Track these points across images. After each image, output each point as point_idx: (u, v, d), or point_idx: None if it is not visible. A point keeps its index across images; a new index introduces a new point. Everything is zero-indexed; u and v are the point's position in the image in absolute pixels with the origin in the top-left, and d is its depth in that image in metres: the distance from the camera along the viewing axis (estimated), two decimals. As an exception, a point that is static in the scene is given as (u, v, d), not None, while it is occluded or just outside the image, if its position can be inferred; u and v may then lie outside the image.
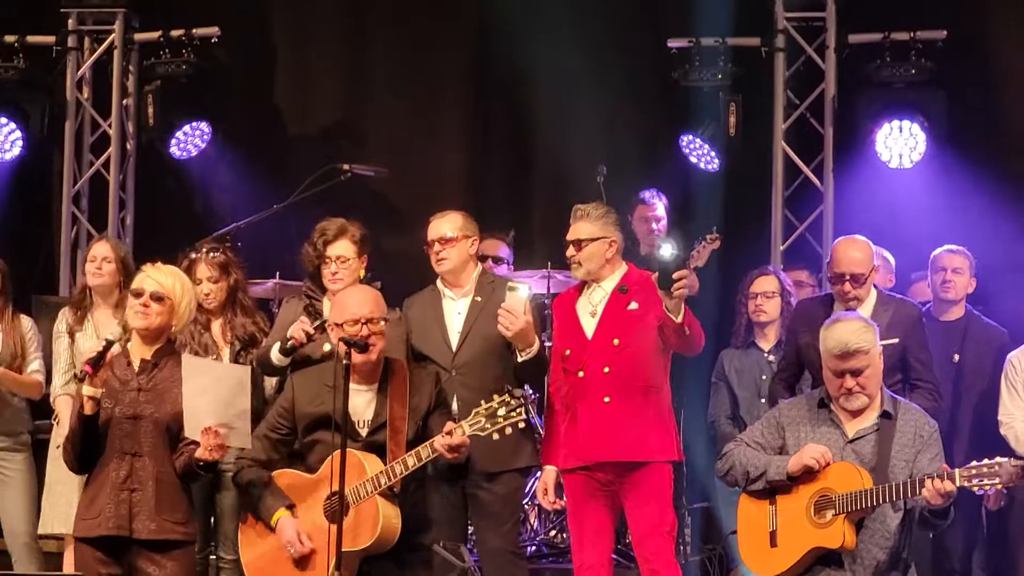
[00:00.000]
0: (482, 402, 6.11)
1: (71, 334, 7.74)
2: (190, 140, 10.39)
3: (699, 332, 6.60)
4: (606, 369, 6.64)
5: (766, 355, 8.12)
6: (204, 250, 7.54)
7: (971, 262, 8.12)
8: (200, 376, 6.07)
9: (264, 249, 9.14)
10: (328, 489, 6.11)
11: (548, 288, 8.87)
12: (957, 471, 5.70)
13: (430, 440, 6.10)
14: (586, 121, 9.94)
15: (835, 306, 7.12)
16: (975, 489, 5.69)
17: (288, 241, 8.21)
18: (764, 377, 8.03)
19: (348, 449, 6.02)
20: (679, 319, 6.40)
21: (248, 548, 6.38)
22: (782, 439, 6.09)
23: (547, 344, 8.59)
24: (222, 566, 7.39)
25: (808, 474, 5.93)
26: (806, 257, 9.80)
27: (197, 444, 6.01)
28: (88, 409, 6.04)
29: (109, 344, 6.07)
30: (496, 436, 6.06)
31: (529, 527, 8.60)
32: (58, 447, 7.19)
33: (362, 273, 7.06)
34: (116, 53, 10.53)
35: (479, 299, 7.01)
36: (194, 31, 10.36)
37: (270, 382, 7.27)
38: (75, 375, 7.45)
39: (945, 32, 9.76)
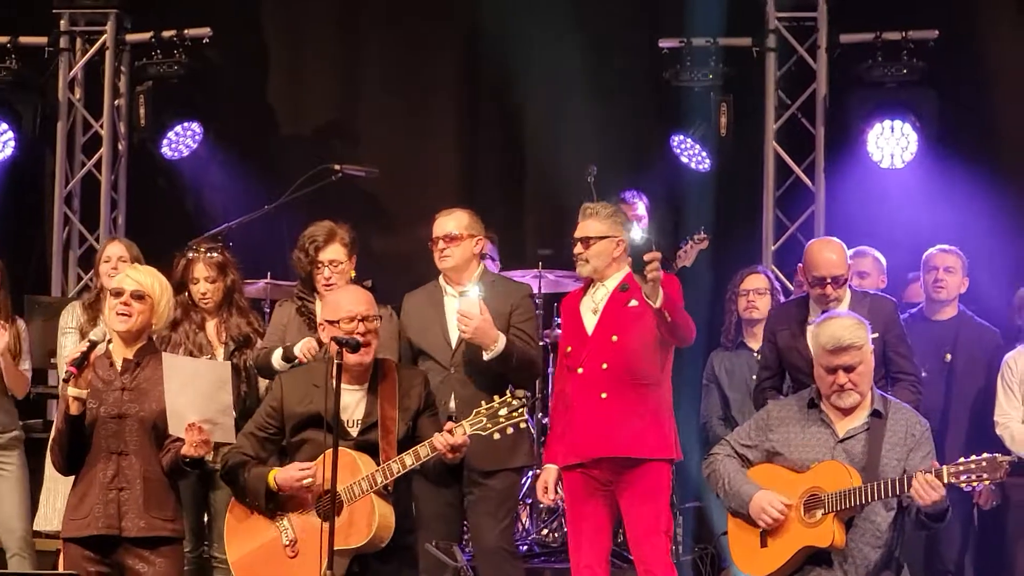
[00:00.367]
0: (483, 402, 6.10)
1: (82, 332, 7.74)
2: (182, 140, 10.40)
3: (685, 320, 6.53)
4: (604, 366, 6.63)
5: (756, 355, 8.11)
6: (202, 250, 7.54)
7: (963, 262, 8.11)
8: (181, 373, 6.08)
9: (255, 249, 9.13)
10: (320, 488, 6.11)
11: (540, 288, 8.89)
12: (945, 468, 5.71)
13: (430, 439, 6.08)
14: (577, 121, 9.95)
15: (811, 307, 7.12)
16: (963, 486, 5.70)
17: (279, 241, 8.22)
18: (754, 377, 8.02)
19: (342, 448, 6.01)
20: (657, 304, 6.33)
21: (235, 547, 6.35)
22: (770, 441, 6.10)
23: (547, 342, 8.69)
24: (215, 564, 7.38)
25: (797, 474, 5.95)
26: (797, 257, 9.79)
27: (183, 441, 6.02)
28: (74, 409, 6.05)
29: (93, 345, 6.08)
30: (497, 436, 6.05)
31: (521, 526, 8.60)
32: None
33: (353, 273, 7.07)
34: (108, 54, 10.54)
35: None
36: (186, 32, 10.37)
37: (264, 381, 7.27)
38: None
39: (937, 32, 9.77)
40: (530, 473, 8.23)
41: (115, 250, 7.93)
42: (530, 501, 8.57)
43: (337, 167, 8.81)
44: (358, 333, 6.14)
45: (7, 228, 10.32)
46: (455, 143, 10.76)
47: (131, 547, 6.09)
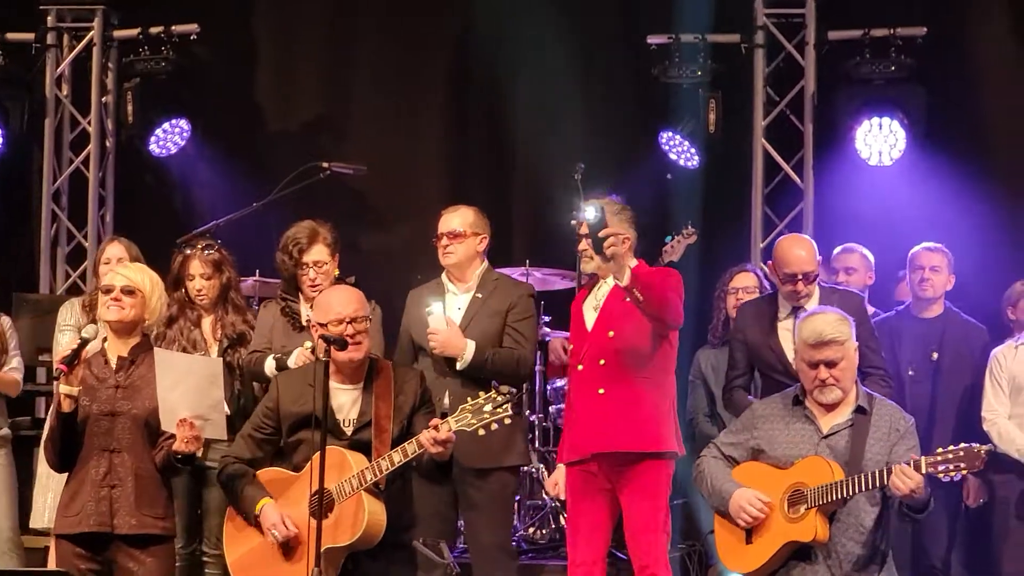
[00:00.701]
0: (468, 398, 6.11)
1: (79, 330, 7.73)
2: (169, 137, 10.39)
3: (660, 297, 6.39)
4: (601, 362, 6.60)
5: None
6: (199, 247, 7.55)
7: (949, 260, 8.10)
8: (173, 369, 6.10)
9: (244, 247, 9.09)
10: (312, 487, 6.11)
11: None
12: (923, 458, 5.71)
13: (417, 435, 6.09)
14: (566, 118, 9.96)
15: (780, 304, 7.13)
16: (942, 476, 5.69)
17: (268, 239, 8.19)
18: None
19: (333, 447, 6.04)
20: (625, 282, 6.29)
21: (233, 547, 6.37)
22: (755, 439, 6.10)
23: (546, 339, 8.70)
24: (206, 560, 7.40)
25: (781, 471, 5.96)
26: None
27: (175, 438, 6.03)
28: (66, 407, 6.07)
29: (84, 342, 6.10)
30: (482, 432, 6.06)
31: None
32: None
33: (336, 272, 7.07)
34: (95, 50, 10.53)
35: (480, 296, 7.05)
36: (173, 28, 10.37)
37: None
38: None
39: (925, 29, 9.79)
40: (523, 469, 8.23)
41: (115, 251, 7.90)
42: (518, 498, 8.56)
43: (325, 164, 8.80)
44: (347, 335, 6.16)
45: (-5, 225, 10.34)
46: (443, 140, 10.76)
47: (123, 545, 6.11)
